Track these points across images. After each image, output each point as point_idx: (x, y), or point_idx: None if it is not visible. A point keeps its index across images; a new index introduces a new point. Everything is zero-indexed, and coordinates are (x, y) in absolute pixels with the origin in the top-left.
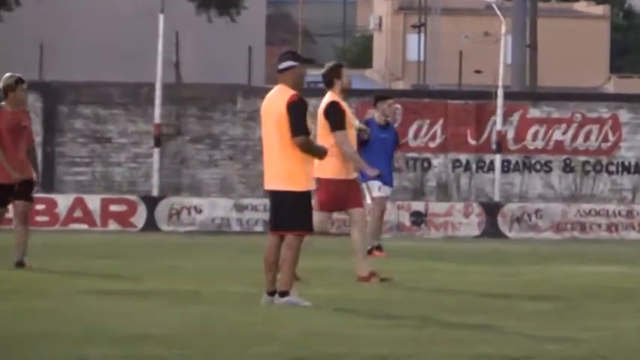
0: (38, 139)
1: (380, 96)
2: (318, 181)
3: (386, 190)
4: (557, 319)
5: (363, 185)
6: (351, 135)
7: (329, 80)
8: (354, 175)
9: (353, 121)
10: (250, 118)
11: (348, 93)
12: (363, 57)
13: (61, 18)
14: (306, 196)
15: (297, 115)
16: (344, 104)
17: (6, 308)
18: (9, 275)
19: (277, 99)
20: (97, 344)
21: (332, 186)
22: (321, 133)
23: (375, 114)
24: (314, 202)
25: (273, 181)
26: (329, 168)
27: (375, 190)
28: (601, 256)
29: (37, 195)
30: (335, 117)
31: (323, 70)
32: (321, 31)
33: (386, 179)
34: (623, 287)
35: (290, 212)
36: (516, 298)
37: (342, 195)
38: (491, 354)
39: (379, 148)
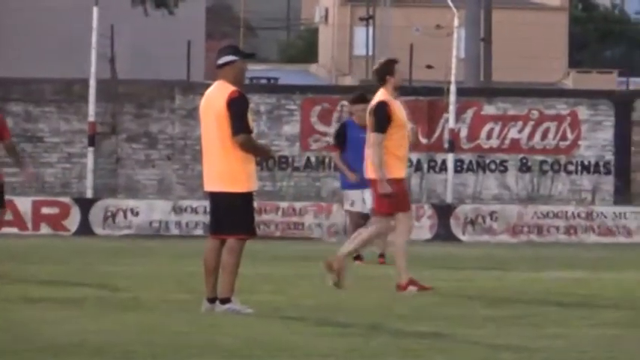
0: None
1: (357, 98)
2: (373, 182)
3: (364, 207)
4: (513, 327)
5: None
6: (403, 134)
7: (381, 77)
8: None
9: (406, 120)
10: (189, 115)
11: (399, 90)
12: (307, 51)
13: None
14: (247, 197)
15: (239, 112)
16: (396, 104)
17: None
18: None
19: (217, 96)
20: (25, 355)
21: (394, 186)
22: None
23: (354, 115)
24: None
25: (213, 182)
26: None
27: (348, 203)
28: (559, 261)
29: None
30: (379, 118)
31: (375, 66)
32: (264, 24)
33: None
34: (583, 294)
35: (231, 215)
36: (471, 305)
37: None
38: None
39: (360, 149)
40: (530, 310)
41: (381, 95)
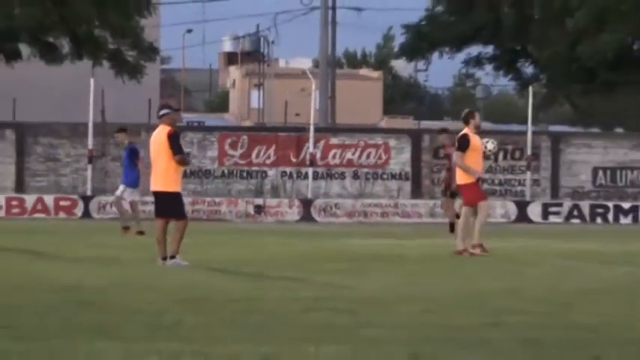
0: (11, 159)
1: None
2: (458, 186)
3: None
4: (347, 275)
5: (121, 187)
6: (475, 156)
7: (465, 120)
8: (476, 177)
9: (480, 146)
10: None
11: (478, 129)
12: (222, 105)
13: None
14: (179, 195)
15: (175, 141)
16: (474, 137)
17: None
18: None
19: (159, 132)
20: (39, 291)
21: (467, 187)
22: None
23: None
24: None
25: (157, 185)
26: (462, 177)
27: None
28: (378, 234)
29: None
30: (460, 143)
31: (462, 114)
32: (196, 88)
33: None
34: (395, 253)
35: (170, 205)
36: (320, 261)
37: (474, 192)
38: (290, 297)
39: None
40: (362, 264)
41: (464, 130)
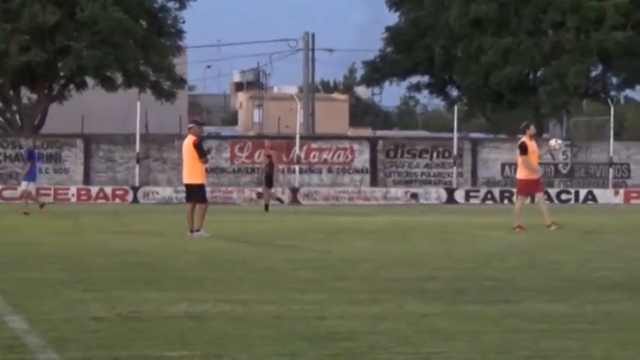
0: (80, 160)
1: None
2: (520, 181)
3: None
4: (324, 243)
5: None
6: (534, 158)
7: (523, 130)
8: (537, 175)
9: (536, 150)
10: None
11: (533, 138)
12: (233, 120)
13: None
14: (202, 185)
15: (200, 148)
16: (531, 143)
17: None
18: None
19: (188, 141)
20: (104, 255)
21: (525, 182)
22: (519, 155)
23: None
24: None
25: (187, 178)
26: (524, 173)
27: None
28: (346, 213)
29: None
30: (521, 149)
31: (521, 125)
32: (214, 108)
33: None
34: (357, 227)
35: (196, 193)
36: (305, 233)
37: (531, 186)
38: (283, 259)
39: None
40: (332, 234)
41: (523, 138)
